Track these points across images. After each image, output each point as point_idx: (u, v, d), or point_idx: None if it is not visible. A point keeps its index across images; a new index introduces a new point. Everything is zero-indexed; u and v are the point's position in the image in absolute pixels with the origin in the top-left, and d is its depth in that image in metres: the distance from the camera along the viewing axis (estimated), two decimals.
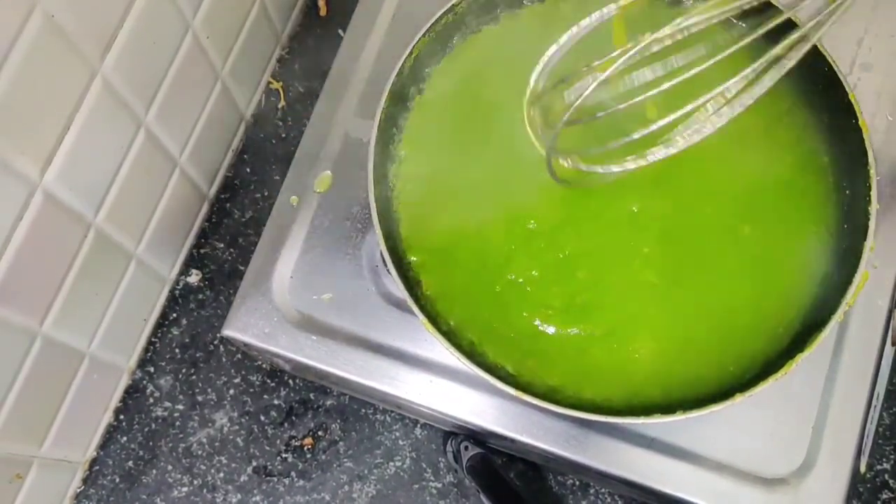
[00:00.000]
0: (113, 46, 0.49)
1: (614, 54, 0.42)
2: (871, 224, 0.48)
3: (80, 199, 0.51)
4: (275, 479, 0.65)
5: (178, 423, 0.66)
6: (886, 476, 0.62)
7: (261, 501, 0.64)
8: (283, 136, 0.72)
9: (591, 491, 0.63)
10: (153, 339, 0.68)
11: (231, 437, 0.65)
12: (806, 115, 0.53)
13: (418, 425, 0.65)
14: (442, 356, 0.54)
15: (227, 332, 0.55)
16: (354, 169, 0.58)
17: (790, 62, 0.42)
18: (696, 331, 0.51)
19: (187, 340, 0.68)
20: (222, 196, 0.71)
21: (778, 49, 0.41)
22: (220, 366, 0.67)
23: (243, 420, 0.66)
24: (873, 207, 0.48)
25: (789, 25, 0.44)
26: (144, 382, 0.67)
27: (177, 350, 0.68)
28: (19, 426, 0.53)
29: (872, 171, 0.48)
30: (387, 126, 0.53)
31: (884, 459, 0.63)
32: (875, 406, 0.53)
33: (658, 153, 0.42)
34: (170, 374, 0.67)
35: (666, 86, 0.40)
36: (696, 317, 0.51)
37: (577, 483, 0.63)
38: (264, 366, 0.67)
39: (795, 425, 0.52)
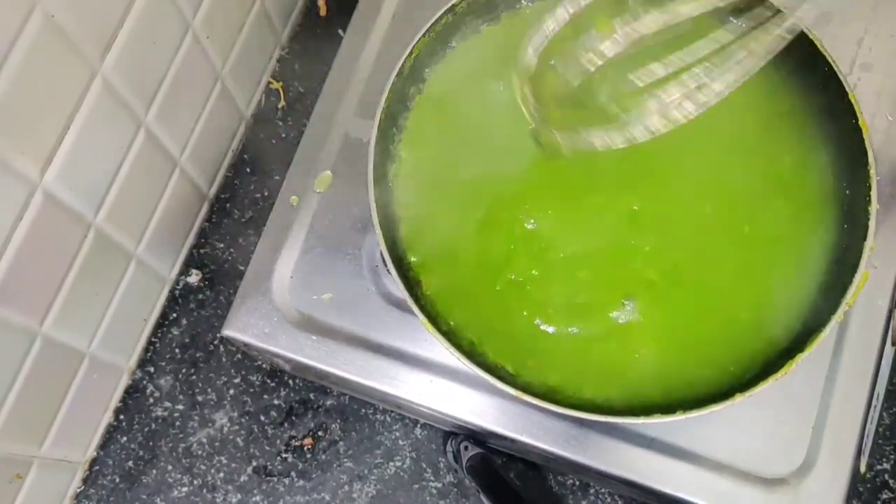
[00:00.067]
0: (113, 46, 0.49)
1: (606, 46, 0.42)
2: (871, 224, 0.48)
3: (80, 199, 0.51)
4: (275, 479, 0.65)
5: (178, 423, 0.66)
6: (886, 476, 0.62)
7: (261, 501, 0.64)
8: (283, 136, 0.72)
9: (591, 491, 0.63)
10: (153, 339, 0.68)
11: (231, 437, 0.65)
12: (806, 115, 0.53)
13: (418, 425, 0.65)
14: (442, 356, 0.54)
15: (227, 332, 0.55)
16: (354, 169, 0.58)
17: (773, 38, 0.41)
18: (697, 330, 0.51)
19: (187, 340, 0.68)
20: (222, 196, 0.71)
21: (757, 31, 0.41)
22: (220, 366, 0.67)
23: (243, 420, 0.66)
24: (873, 207, 0.48)
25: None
26: (144, 382, 0.67)
27: (177, 350, 0.68)
28: (19, 426, 0.53)
29: (872, 171, 0.48)
30: (387, 126, 0.53)
31: (884, 459, 0.63)
32: (875, 406, 0.53)
33: (636, 130, 0.43)
34: (170, 374, 0.67)
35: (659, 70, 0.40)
36: (697, 316, 0.51)
37: (577, 483, 0.63)
38: (264, 366, 0.67)
39: (795, 425, 0.52)
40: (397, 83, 0.52)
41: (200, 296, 0.69)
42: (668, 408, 0.46)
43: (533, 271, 0.51)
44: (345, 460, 0.65)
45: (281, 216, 0.57)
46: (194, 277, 0.69)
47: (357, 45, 0.61)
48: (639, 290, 0.51)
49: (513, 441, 0.53)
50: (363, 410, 0.66)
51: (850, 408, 0.52)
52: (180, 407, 0.66)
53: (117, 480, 0.65)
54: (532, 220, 0.52)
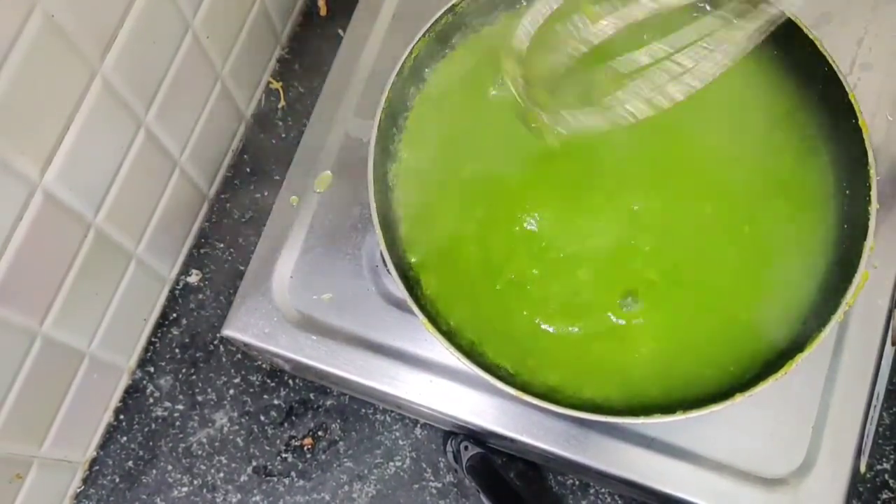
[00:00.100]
0: (113, 46, 0.49)
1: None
2: (871, 224, 0.48)
3: (80, 199, 0.51)
4: (275, 479, 0.65)
5: (178, 423, 0.66)
6: (886, 476, 0.62)
7: (261, 501, 0.64)
8: (283, 136, 0.72)
9: (591, 491, 0.63)
10: (153, 339, 0.68)
11: (231, 437, 0.65)
12: (806, 115, 0.53)
13: (418, 425, 0.65)
14: (442, 356, 0.54)
15: (227, 332, 0.55)
16: (354, 169, 0.58)
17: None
18: (697, 330, 0.51)
19: (187, 340, 0.68)
20: (222, 196, 0.71)
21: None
22: (220, 366, 0.67)
23: (243, 420, 0.66)
24: (873, 207, 0.48)
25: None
26: (144, 382, 0.67)
27: (177, 350, 0.68)
28: (19, 426, 0.53)
29: (872, 171, 0.48)
30: (387, 126, 0.53)
31: (884, 459, 0.63)
32: (875, 406, 0.53)
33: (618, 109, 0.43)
34: (170, 374, 0.67)
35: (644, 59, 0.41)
36: (697, 316, 0.51)
37: (577, 483, 0.63)
38: (264, 366, 0.67)
39: (795, 425, 0.52)
40: (397, 83, 0.52)
41: (200, 296, 0.69)
42: (667, 408, 0.46)
43: (533, 270, 0.51)
44: (345, 460, 0.65)
45: (281, 216, 0.57)
46: (194, 277, 0.69)
47: (357, 45, 0.61)
48: (639, 289, 0.51)
49: (513, 441, 0.53)
50: (363, 410, 0.66)
51: (850, 408, 0.52)
52: (180, 407, 0.66)
53: (117, 480, 0.65)
54: (532, 220, 0.52)
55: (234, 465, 0.65)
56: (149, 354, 0.67)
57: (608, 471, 0.52)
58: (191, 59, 0.58)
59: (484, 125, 0.54)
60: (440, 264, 0.52)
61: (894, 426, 0.63)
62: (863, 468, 0.53)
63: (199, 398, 0.66)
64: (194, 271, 0.69)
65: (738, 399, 0.45)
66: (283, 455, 0.65)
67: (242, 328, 0.55)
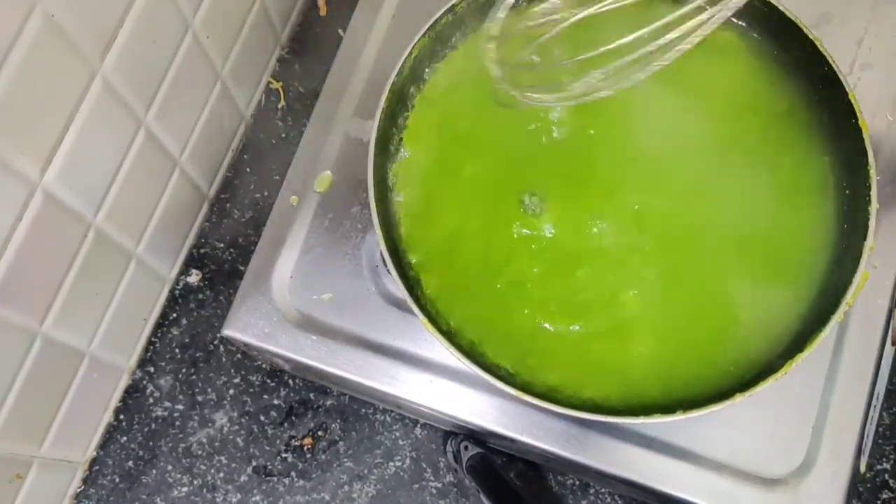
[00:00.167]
0: (113, 46, 0.49)
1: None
2: (871, 224, 0.48)
3: (80, 199, 0.51)
4: (275, 478, 0.65)
5: (178, 423, 0.66)
6: (886, 476, 0.62)
7: (261, 501, 0.64)
8: (283, 136, 0.72)
9: (591, 491, 0.63)
10: (153, 339, 0.68)
11: (231, 437, 0.65)
12: (806, 115, 0.53)
13: (418, 425, 0.65)
14: (442, 356, 0.54)
15: (227, 332, 0.55)
16: (354, 169, 0.58)
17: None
18: (696, 330, 0.51)
19: (187, 340, 0.68)
20: (222, 196, 0.71)
21: None
22: (220, 366, 0.67)
23: (243, 420, 0.66)
24: (873, 207, 0.48)
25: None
26: (144, 382, 0.67)
27: (177, 350, 0.68)
28: (19, 426, 0.53)
29: (872, 171, 0.48)
30: (387, 126, 0.53)
31: (884, 459, 0.63)
32: (875, 406, 0.53)
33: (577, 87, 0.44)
34: (170, 374, 0.67)
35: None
36: (697, 316, 0.51)
37: (577, 483, 0.63)
38: (264, 366, 0.67)
39: (795, 425, 0.52)
40: (397, 83, 0.52)
41: (200, 296, 0.69)
42: (667, 408, 0.46)
43: (534, 269, 0.51)
44: (345, 460, 0.65)
45: (281, 216, 0.57)
46: (194, 277, 0.69)
47: (357, 45, 0.61)
48: (639, 289, 0.51)
49: (513, 441, 0.53)
50: (363, 410, 0.66)
51: (850, 408, 0.52)
52: (180, 407, 0.66)
53: (117, 480, 0.65)
54: (532, 220, 0.52)
55: (234, 465, 0.65)
56: (149, 354, 0.67)
57: (608, 471, 0.52)
58: (191, 59, 0.58)
59: (484, 125, 0.54)
60: (440, 264, 0.52)
61: (894, 426, 0.63)
62: (863, 468, 0.53)
63: (199, 398, 0.66)
64: (194, 271, 0.69)
65: (738, 399, 0.45)
66: (283, 455, 0.65)
67: (242, 328, 0.55)
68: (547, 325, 0.50)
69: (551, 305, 0.51)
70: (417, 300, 0.48)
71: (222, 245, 0.70)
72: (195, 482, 0.65)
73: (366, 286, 0.56)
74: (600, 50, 0.43)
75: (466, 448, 0.59)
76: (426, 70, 0.55)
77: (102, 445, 0.65)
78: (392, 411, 0.65)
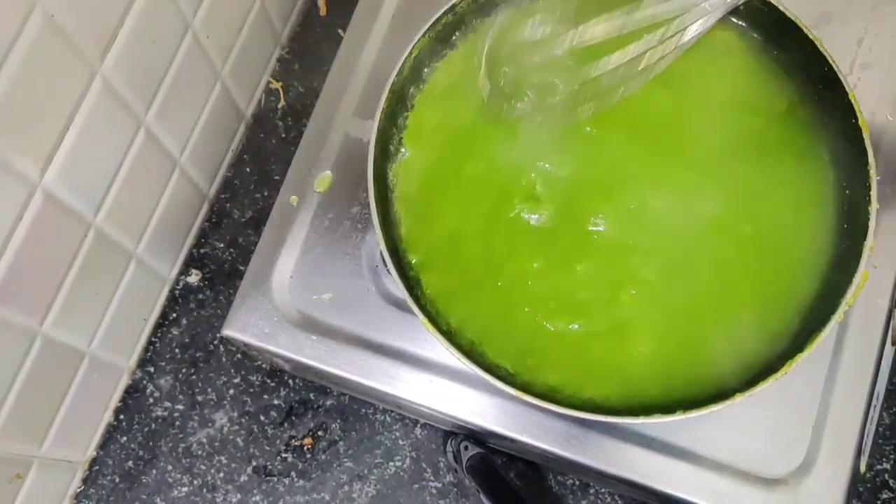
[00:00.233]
0: (113, 46, 0.49)
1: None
2: (871, 224, 0.48)
3: (80, 199, 0.51)
4: (275, 479, 0.65)
5: (178, 423, 0.66)
6: (886, 476, 0.62)
7: (261, 501, 0.64)
8: (283, 136, 0.72)
9: (591, 491, 0.63)
10: (153, 339, 0.68)
11: (231, 437, 0.65)
12: (806, 114, 0.53)
13: (418, 425, 0.65)
14: (442, 356, 0.54)
15: (227, 332, 0.55)
16: (354, 169, 0.58)
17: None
18: (696, 330, 0.51)
19: (187, 340, 0.68)
20: (222, 196, 0.71)
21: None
22: (220, 366, 0.67)
23: (243, 420, 0.66)
24: (873, 207, 0.48)
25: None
26: (144, 382, 0.67)
27: (177, 350, 0.68)
28: (19, 426, 0.53)
29: (872, 171, 0.48)
30: (387, 126, 0.53)
31: (884, 459, 0.63)
32: (875, 406, 0.53)
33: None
34: (170, 374, 0.67)
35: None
36: (696, 316, 0.51)
37: (577, 483, 0.63)
38: (264, 366, 0.67)
39: (795, 425, 0.52)
40: (397, 83, 0.52)
41: (200, 296, 0.69)
42: (667, 408, 0.46)
43: (534, 264, 0.51)
44: (345, 460, 0.65)
45: (281, 216, 0.57)
46: (194, 277, 0.69)
47: (357, 45, 0.61)
48: (638, 288, 0.51)
49: (513, 441, 0.53)
50: (363, 410, 0.66)
51: (850, 408, 0.52)
52: (180, 407, 0.66)
53: (117, 480, 0.65)
54: (532, 217, 0.52)
55: (234, 465, 0.65)
56: (149, 354, 0.67)
57: (608, 471, 0.52)
58: (191, 59, 0.58)
59: (483, 124, 0.54)
60: (440, 263, 0.52)
61: (894, 426, 0.63)
62: (863, 468, 0.53)
63: (199, 398, 0.66)
64: (194, 271, 0.69)
65: (738, 399, 0.45)
66: (283, 455, 0.65)
67: (242, 328, 0.55)
68: (547, 324, 0.50)
69: (551, 303, 0.51)
70: (417, 300, 0.48)
71: (222, 245, 0.70)
72: (195, 482, 0.65)
73: (366, 286, 0.56)
74: (585, 76, 0.46)
75: (466, 448, 0.59)
76: (426, 70, 0.55)
77: (102, 445, 0.65)
78: (392, 411, 0.65)
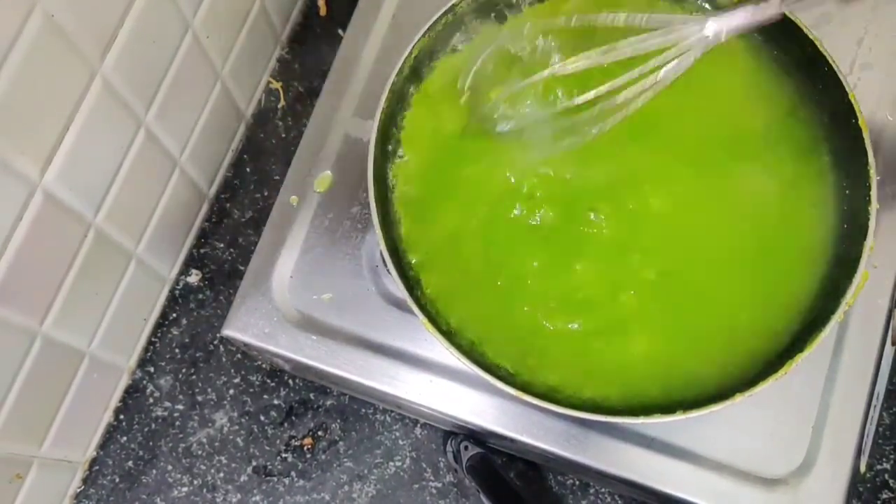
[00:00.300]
0: (113, 46, 0.49)
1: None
2: (871, 224, 0.48)
3: (80, 199, 0.51)
4: (275, 478, 0.65)
5: (178, 423, 0.66)
6: (886, 476, 0.62)
7: (261, 501, 0.64)
8: (283, 136, 0.72)
9: (591, 491, 0.63)
10: (153, 339, 0.68)
11: (231, 437, 0.65)
12: (806, 115, 0.53)
13: (418, 425, 0.65)
14: (442, 356, 0.54)
15: (227, 331, 0.55)
16: (354, 169, 0.58)
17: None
18: (696, 330, 0.51)
19: (187, 340, 0.68)
20: (222, 196, 0.71)
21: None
22: (220, 366, 0.67)
23: (243, 420, 0.66)
24: (873, 207, 0.48)
25: None
26: (144, 382, 0.67)
27: (177, 350, 0.68)
28: (19, 426, 0.53)
29: (872, 171, 0.48)
30: (387, 126, 0.53)
31: (884, 459, 0.63)
32: (875, 406, 0.53)
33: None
34: (170, 374, 0.67)
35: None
36: (696, 316, 0.51)
37: (577, 483, 0.63)
38: (264, 366, 0.67)
39: (795, 425, 0.52)
40: (397, 83, 0.52)
41: (200, 296, 0.69)
42: (667, 408, 0.46)
43: (534, 263, 0.51)
44: (345, 460, 0.65)
45: (281, 216, 0.57)
46: (194, 277, 0.69)
47: (357, 45, 0.61)
48: (639, 288, 0.51)
49: (513, 441, 0.53)
50: (363, 410, 0.66)
51: (850, 408, 0.52)
52: (180, 407, 0.66)
53: (117, 480, 0.65)
54: (532, 216, 0.52)
55: (234, 465, 0.65)
56: (149, 354, 0.67)
57: (608, 471, 0.52)
58: (191, 59, 0.58)
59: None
60: (440, 263, 0.52)
61: (894, 426, 0.63)
62: (863, 468, 0.53)
63: (199, 398, 0.66)
64: (194, 271, 0.69)
65: (738, 399, 0.45)
66: (283, 455, 0.65)
67: (242, 328, 0.55)
68: (547, 324, 0.50)
69: (551, 302, 0.51)
70: (417, 300, 0.48)
71: (222, 245, 0.70)
72: (195, 482, 0.65)
73: (366, 286, 0.56)
74: (568, 104, 0.47)
75: (466, 448, 0.59)
76: (426, 70, 0.55)
77: (102, 445, 0.65)
78: (392, 411, 0.65)
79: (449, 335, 0.48)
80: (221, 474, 0.65)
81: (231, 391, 0.66)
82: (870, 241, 0.47)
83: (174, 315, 0.68)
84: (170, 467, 0.65)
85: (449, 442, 0.62)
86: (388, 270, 0.49)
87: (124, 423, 0.66)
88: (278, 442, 0.65)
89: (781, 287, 0.51)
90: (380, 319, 0.55)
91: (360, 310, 0.55)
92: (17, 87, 0.42)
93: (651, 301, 0.51)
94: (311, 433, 0.66)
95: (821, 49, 0.50)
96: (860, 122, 0.49)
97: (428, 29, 0.53)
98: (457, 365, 0.52)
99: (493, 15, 0.56)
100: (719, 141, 0.53)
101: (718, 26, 0.44)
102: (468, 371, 0.47)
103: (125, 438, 0.66)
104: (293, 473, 0.65)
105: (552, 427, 0.52)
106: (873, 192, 0.48)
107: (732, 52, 0.55)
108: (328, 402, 0.66)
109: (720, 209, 0.52)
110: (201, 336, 0.68)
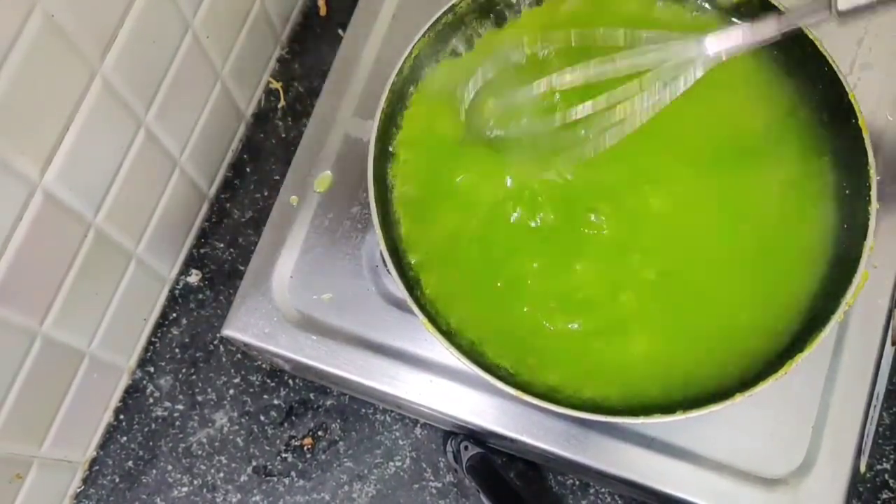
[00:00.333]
0: (113, 46, 0.49)
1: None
2: (871, 224, 0.48)
3: (80, 199, 0.51)
4: (275, 478, 0.65)
5: (178, 423, 0.66)
6: (886, 476, 0.62)
7: (261, 501, 0.64)
8: (283, 136, 0.72)
9: (591, 491, 0.63)
10: (153, 339, 0.68)
11: (231, 437, 0.65)
12: (806, 115, 0.53)
13: (418, 425, 0.65)
14: (442, 356, 0.54)
15: (227, 331, 0.55)
16: (354, 169, 0.58)
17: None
18: (696, 330, 0.51)
19: (187, 340, 0.68)
20: (222, 196, 0.71)
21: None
22: (220, 366, 0.67)
23: (243, 420, 0.66)
24: (873, 207, 0.48)
25: None
26: (144, 382, 0.67)
27: (177, 350, 0.68)
28: (19, 426, 0.53)
29: (872, 171, 0.48)
30: (387, 126, 0.53)
31: (884, 459, 0.63)
32: (875, 406, 0.53)
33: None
34: (170, 374, 0.67)
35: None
36: (696, 315, 0.51)
37: (577, 483, 0.63)
38: (264, 366, 0.67)
39: (795, 425, 0.52)
40: (397, 83, 0.52)
41: (200, 296, 0.69)
42: (667, 407, 0.46)
43: (534, 264, 0.51)
44: (345, 460, 0.65)
45: (281, 216, 0.57)
46: (194, 277, 0.69)
47: (357, 45, 0.61)
48: (638, 288, 0.51)
49: (513, 441, 0.53)
50: (363, 410, 0.66)
51: (850, 408, 0.52)
52: (180, 407, 0.66)
53: (117, 480, 0.65)
54: (532, 218, 0.52)
55: (234, 465, 0.65)
56: (149, 354, 0.67)
57: (608, 471, 0.52)
58: (191, 59, 0.58)
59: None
60: (440, 264, 0.52)
61: (894, 426, 0.63)
62: (863, 468, 0.53)
63: (199, 398, 0.66)
64: (194, 271, 0.69)
65: (738, 399, 0.45)
66: (283, 455, 0.65)
67: (242, 328, 0.55)
68: (547, 324, 0.50)
69: (551, 302, 0.51)
70: (417, 300, 0.48)
71: (222, 245, 0.70)
72: (195, 482, 0.65)
73: (366, 286, 0.56)
74: (551, 123, 0.47)
75: (466, 448, 0.59)
76: (426, 70, 0.55)
77: (102, 445, 0.65)
78: (392, 411, 0.65)
79: (449, 335, 0.48)
80: (221, 474, 0.65)
81: (231, 391, 0.66)
82: (870, 241, 0.47)
83: (174, 315, 0.68)
84: (170, 467, 0.65)
85: (449, 442, 0.62)
86: (388, 270, 0.49)
87: (124, 423, 0.66)
88: (278, 442, 0.65)
89: (781, 287, 0.51)
90: (380, 319, 0.55)
91: (360, 310, 0.55)
92: (17, 87, 0.42)
93: (651, 301, 0.51)
94: (311, 433, 0.66)
95: (821, 49, 0.50)
96: (860, 122, 0.49)
97: (428, 29, 0.53)
98: (457, 365, 0.52)
99: (492, 16, 0.56)
100: (719, 141, 0.53)
101: (717, 46, 0.44)
102: (468, 371, 0.47)
103: (125, 438, 0.66)
104: (293, 473, 0.65)
105: (552, 427, 0.52)
106: (873, 192, 0.48)
107: None
108: (328, 402, 0.66)
109: (720, 209, 0.52)
110: (201, 336, 0.68)
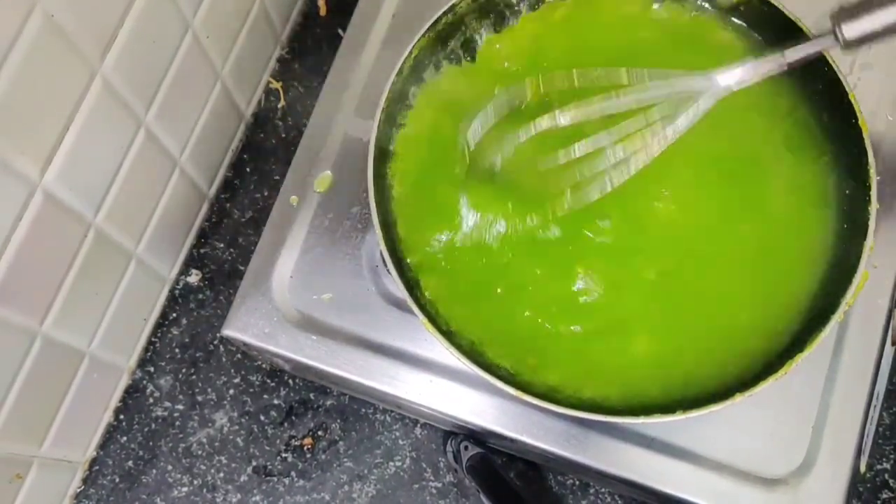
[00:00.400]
0: (113, 46, 0.49)
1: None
2: (871, 224, 0.48)
3: (80, 199, 0.51)
4: (275, 478, 0.65)
5: (178, 423, 0.66)
6: (886, 476, 0.62)
7: (261, 501, 0.64)
8: (283, 136, 0.72)
9: (591, 491, 0.63)
10: (153, 339, 0.68)
11: (231, 437, 0.65)
12: (806, 115, 0.53)
13: (418, 425, 0.65)
14: (442, 356, 0.54)
15: (227, 331, 0.55)
16: (354, 169, 0.58)
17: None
18: (697, 330, 0.51)
19: (187, 340, 0.68)
20: (222, 196, 0.71)
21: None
22: (220, 366, 0.67)
23: (243, 420, 0.66)
24: (873, 207, 0.48)
25: None
26: (144, 382, 0.67)
27: (177, 350, 0.68)
28: (19, 426, 0.53)
29: (872, 171, 0.48)
30: (387, 126, 0.53)
31: (884, 459, 0.63)
32: (875, 406, 0.53)
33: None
34: (170, 374, 0.67)
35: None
36: (697, 316, 0.51)
37: (577, 483, 0.63)
38: (264, 366, 0.67)
39: (795, 425, 0.52)
40: (397, 83, 0.52)
41: (200, 296, 0.69)
42: (667, 407, 0.46)
43: (536, 270, 0.51)
44: (345, 460, 0.65)
45: (281, 216, 0.57)
46: (194, 277, 0.69)
47: (357, 45, 0.61)
48: (639, 288, 0.51)
49: (513, 441, 0.53)
50: (363, 410, 0.66)
51: (850, 408, 0.52)
52: (180, 407, 0.66)
53: (117, 480, 0.65)
54: (532, 218, 0.52)
55: (234, 465, 0.65)
56: (149, 354, 0.67)
57: (608, 471, 0.52)
58: (191, 59, 0.58)
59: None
60: (440, 264, 0.52)
61: (894, 426, 0.63)
62: (863, 468, 0.53)
63: (199, 398, 0.66)
64: (194, 271, 0.69)
65: (738, 399, 0.45)
66: (283, 455, 0.65)
67: (242, 328, 0.55)
68: (548, 326, 0.50)
69: (552, 307, 0.51)
70: (417, 300, 0.48)
71: (222, 245, 0.70)
72: (195, 482, 0.65)
73: (366, 286, 0.56)
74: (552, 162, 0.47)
75: (466, 448, 0.59)
76: (426, 70, 0.55)
77: (102, 445, 0.65)
78: (392, 411, 0.65)
79: (449, 335, 0.48)
80: (221, 474, 0.65)
81: (231, 391, 0.66)
82: (870, 241, 0.47)
83: (174, 315, 0.68)
84: (170, 467, 0.65)
85: (449, 442, 0.62)
86: (388, 270, 0.49)
87: (124, 423, 0.66)
88: (278, 442, 0.65)
89: (781, 287, 0.51)
90: (380, 319, 0.55)
91: (360, 310, 0.55)
92: (17, 87, 0.42)
93: (651, 301, 0.51)
94: (311, 433, 0.66)
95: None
96: (860, 122, 0.49)
97: (428, 29, 0.53)
98: (457, 365, 0.52)
99: (492, 16, 0.56)
100: (719, 142, 0.53)
101: (726, 82, 0.44)
102: (468, 371, 0.47)
103: (125, 438, 0.66)
104: (293, 473, 0.65)
105: (552, 427, 0.52)
106: (873, 192, 0.48)
107: (732, 52, 0.55)
108: (328, 402, 0.66)
109: (720, 209, 0.52)
110: (201, 336, 0.68)
